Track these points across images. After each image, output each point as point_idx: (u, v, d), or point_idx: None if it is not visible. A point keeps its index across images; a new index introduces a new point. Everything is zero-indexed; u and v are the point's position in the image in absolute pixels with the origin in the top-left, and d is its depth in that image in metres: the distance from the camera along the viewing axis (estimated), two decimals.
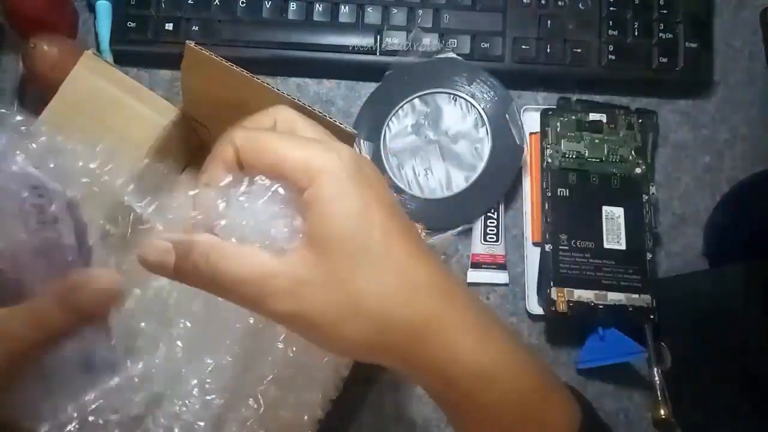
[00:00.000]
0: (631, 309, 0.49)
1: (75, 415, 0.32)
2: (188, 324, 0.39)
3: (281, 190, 0.30)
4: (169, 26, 0.56)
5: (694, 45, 0.55)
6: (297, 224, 0.29)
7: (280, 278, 0.28)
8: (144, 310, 0.39)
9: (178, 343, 0.38)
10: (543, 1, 0.56)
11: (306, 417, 0.40)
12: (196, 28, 0.56)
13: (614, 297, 0.50)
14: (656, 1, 0.56)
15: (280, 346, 0.39)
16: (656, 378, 0.49)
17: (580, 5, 0.56)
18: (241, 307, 0.30)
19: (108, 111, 0.46)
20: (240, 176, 0.30)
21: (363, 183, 0.29)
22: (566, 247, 0.51)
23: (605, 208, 0.52)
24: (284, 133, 0.31)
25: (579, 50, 0.55)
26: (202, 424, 0.38)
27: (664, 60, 0.55)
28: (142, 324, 0.39)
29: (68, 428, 0.32)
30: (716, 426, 0.47)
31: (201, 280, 0.29)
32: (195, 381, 0.38)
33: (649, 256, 0.51)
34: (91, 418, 0.33)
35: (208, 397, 0.38)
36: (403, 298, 0.29)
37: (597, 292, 0.50)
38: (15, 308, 0.28)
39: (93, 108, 0.46)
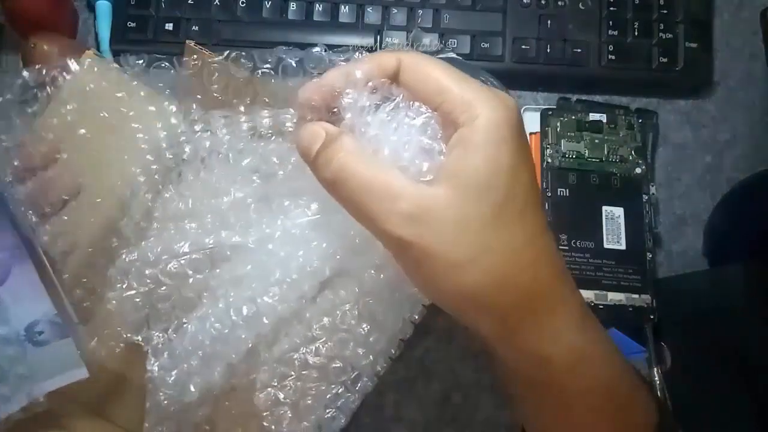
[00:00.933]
0: (631, 309, 0.49)
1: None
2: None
3: (434, 122, 0.29)
4: (169, 26, 0.56)
5: (694, 45, 0.55)
6: (438, 161, 0.29)
7: (409, 201, 0.27)
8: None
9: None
10: (543, 1, 0.56)
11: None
12: (196, 28, 0.56)
13: (614, 297, 0.50)
14: (656, 1, 0.56)
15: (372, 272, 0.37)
16: (656, 378, 0.49)
17: (580, 5, 0.56)
18: (356, 219, 0.29)
19: (108, 112, 0.46)
20: (392, 91, 0.30)
21: (520, 139, 0.28)
22: (566, 247, 0.51)
23: (605, 208, 0.52)
24: (450, 66, 0.30)
25: (579, 50, 0.55)
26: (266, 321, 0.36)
27: (664, 60, 0.55)
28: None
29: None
30: (716, 426, 0.47)
31: (332, 174, 0.28)
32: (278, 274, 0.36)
33: (649, 256, 0.51)
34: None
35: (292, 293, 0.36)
36: (528, 262, 0.28)
37: (597, 292, 0.50)
38: None
39: (92, 109, 0.46)
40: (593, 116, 0.55)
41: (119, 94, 0.47)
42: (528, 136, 0.54)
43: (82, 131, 0.44)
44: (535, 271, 0.28)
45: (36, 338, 0.32)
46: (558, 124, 0.54)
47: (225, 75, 0.45)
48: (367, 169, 0.28)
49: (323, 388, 0.36)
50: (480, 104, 0.27)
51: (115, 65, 0.49)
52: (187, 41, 0.46)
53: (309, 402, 0.36)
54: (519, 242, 0.28)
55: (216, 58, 0.45)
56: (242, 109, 0.41)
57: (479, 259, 0.27)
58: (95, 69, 0.47)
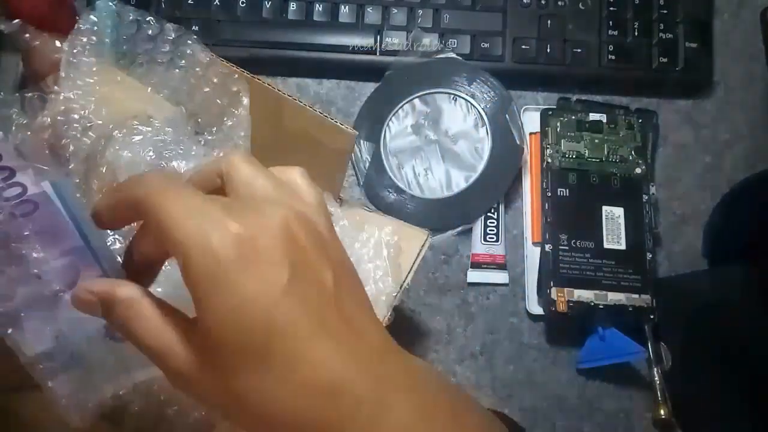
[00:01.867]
0: (631, 309, 0.49)
1: None
2: None
3: None
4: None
5: (694, 45, 0.55)
6: None
7: (174, 360, 0.26)
8: None
9: None
10: (543, 1, 0.56)
11: None
12: (196, 28, 0.56)
13: (614, 297, 0.50)
14: (656, 1, 0.56)
15: None
16: (656, 378, 0.49)
17: (580, 5, 0.56)
18: None
19: (108, 112, 0.46)
20: None
21: (244, 266, 0.24)
22: (566, 247, 0.51)
23: (605, 208, 0.52)
24: (186, 189, 0.26)
25: (579, 50, 0.55)
26: None
27: (664, 60, 0.55)
28: None
29: None
30: (716, 426, 0.47)
31: (122, 333, 0.28)
32: None
33: (649, 256, 0.51)
34: None
35: None
36: (286, 399, 0.25)
37: (597, 292, 0.50)
38: None
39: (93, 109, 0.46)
40: (593, 116, 0.55)
41: (120, 95, 0.47)
42: (528, 137, 0.54)
43: None
44: (303, 401, 0.25)
45: (115, 335, 0.32)
46: (558, 124, 0.54)
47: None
48: (148, 329, 0.27)
49: None
50: (189, 248, 0.24)
51: (114, 66, 0.49)
52: None
53: None
54: (273, 376, 0.25)
55: (217, 59, 0.46)
56: None
57: (243, 407, 0.26)
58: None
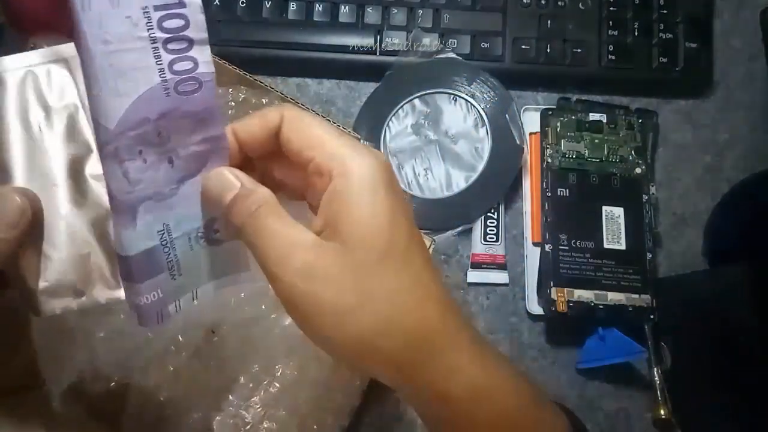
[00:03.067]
0: (631, 309, 0.49)
1: None
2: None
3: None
4: None
5: (694, 45, 0.55)
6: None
7: (302, 254, 0.28)
8: None
9: None
10: (543, 1, 0.56)
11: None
12: None
13: (614, 297, 0.50)
14: (656, 1, 0.56)
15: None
16: (656, 378, 0.49)
17: (580, 5, 0.56)
18: (258, 263, 0.30)
19: None
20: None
21: (394, 189, 0.29)
22: (566, 247, 0.51)
23: (605, 208, 0.52)
24: (329, 123, 0.31)
25: (579, 50, 0.55)
26: None
27: (664, 60, 0.55)
28: None
29: None
30: (716, 426, 0.47)
31: (243, 226, 0.29)
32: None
33: (649, 256, 0.51)
34: None
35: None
36: (414, 305, 0.29)
37: (597, 292, 0.50)
38: None
39: None
40: (593, 116, 0.55)
41: None
42: (528, 137, 0.54)
43: None
44: (422, 313, 0.29)
45: (212, 236, 0.32)
46: (558, 124, 0.54)
47: (226, 76, 0.45)
48: (275, 224, 0.29)
49: None
50: (353, 159, 0.29)
51: None
52: None
53: None
54: (403, 286, 0.29)
55: (218, 61, 0.46)
56: None
57: (363, 306, 0.28)
58: None
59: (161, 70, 0.28)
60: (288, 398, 0.38)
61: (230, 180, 0.30)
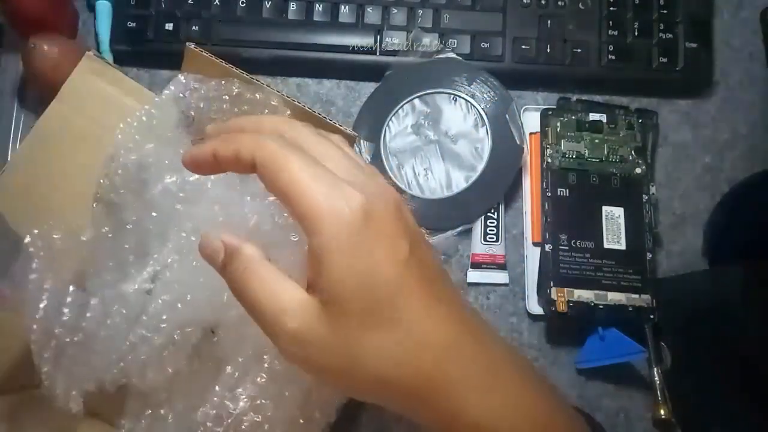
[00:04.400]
0: (631, 309, 0.49)
1: None
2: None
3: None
4: (169, 26, 0.56)
5: (694, 45, 0.55)
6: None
7: (291, 320, 0.28)
8: None
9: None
10: (543, 1, 0.56)
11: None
12: (196, 28, 0.56)
13: (614, 297, 0.50)
14: (656, 1, 0.56)
15: None
16: (656, 378, 0.49)
17: (580, 5, 0.56)
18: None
19: (108, 112, 0.46)
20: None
21: (373, 235, 0.27)
22: (566, 247, 0.51)
23: (605, 208, 0.52)
24: (304, 158, 0.28)
25: (579, 50, 0.55)
26: None
27: (664, 60, 0.55)
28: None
29: None
30: (716, 426, 0.47)
31: (235, 289, 0.30)
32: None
33: (649, 256, 0.51)
34: None
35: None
36: (404, 357, 0.28)
37: (597, 292, 0.50)
38: None
39: (93, 109, 0.46)
40: (593, 116, 0.55)
41: (119, 95, 0.47)
42: (528, 137, 0.54)
43: (81, 132, 0.44)
44: (415, 364, 0.28)
45: None
46: (558, 124, 0.54)
47: (225, 76, 0.45)
48: (262, 288, 0.29)
49: None
50: (322, 217, 0.27)
51: (115, 66, 0.49)
52: (187, 43, 0.46)
53: None
54: (390, 341, 0.28)
55: (216, 60, 0.45)
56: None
57: (353, 368, 0.28)
58: (95, 70, 0.47)
59: None
60: (275, 390, 0.38)
61: (215, 245, 0.31)
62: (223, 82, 0.45)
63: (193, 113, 0.45)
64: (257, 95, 0.44)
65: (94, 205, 0.44)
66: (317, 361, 0.28)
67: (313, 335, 0.28)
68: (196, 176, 0.40)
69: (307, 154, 0.29)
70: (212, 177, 0.40)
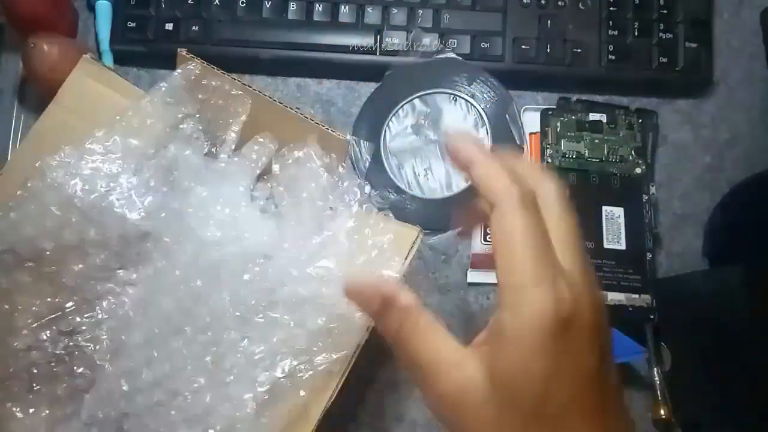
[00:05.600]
0: (631, 309, 0.49)
1: None
2: None
3: None
4: (169, 26, 0.56)
5: (694, 45, 0.55)
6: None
7: (451, 382, 0.27)
8: None
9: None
10: (543, 1, 0.56)
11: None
12: (196, 28, 0.56)
13: (614, 297, 0.50)
14: (656, 1, 0.56)
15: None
16: (656, 378, 0.49)
17: (580, 5, 0.56)
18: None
19: (104, 114, 0.46)
20: None
21: (563, 339, 0.26)
22: None
23: (605, 208, 0.52)
24: (537, 232, 0.27)
25: (579, 50, 0.55)
26: None
27: (664, 60, 0.55)
28: None
29: None
30: (716, 426, 0.47)
31: (389, 337, 0.29)
32: None
33: (649, 256, 0.51)
34: None
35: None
36: None
37: None
38: None
39: (90, 111, 0.46)
40: (593, 116, 0.55)
41: (117, 99, 0.47)
42: (528, 137, 0.54)
43: (79, 135, 0.44)
44: None
45: None
46: (558, 124, 0.54)
47: (216, 84, 0.46)
48: (422, 343, 0.28)
49: None
50: (525, 300, 0.26)
51: (113, 69, 0.49)
52: (179, 50, 0.47)
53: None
54: None
55: (208, 66, 0.46)
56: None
57: None
58: (92, 73, 0.47)
59: None
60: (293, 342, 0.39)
61: (368, 292, 0.30)
62: (213, 83, 0.45)
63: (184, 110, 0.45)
64: (233, 92, 0.45)
65: None
66: (465, 426, 0.27)
67: (473, 406, 0.27)
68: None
69: (542, 225, 0.28)
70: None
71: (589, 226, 0.51)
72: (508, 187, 0.28)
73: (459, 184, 0.53)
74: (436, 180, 0.54)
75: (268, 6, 0.56)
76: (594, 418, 0.26)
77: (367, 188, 0.47)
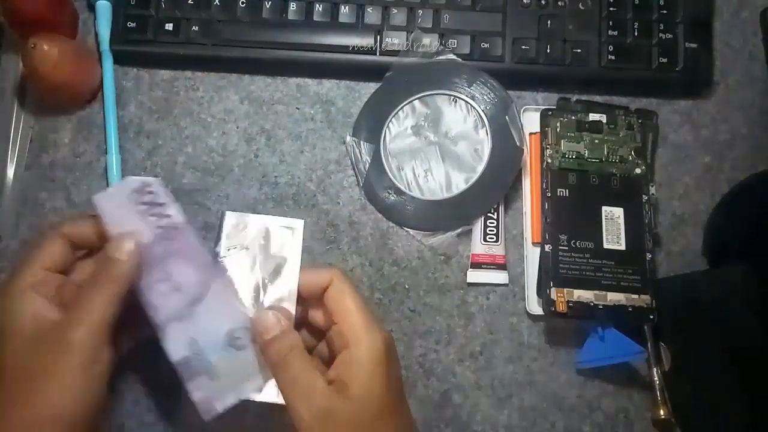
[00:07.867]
0: (631, 309, 0.49)
1: None
2: None
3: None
4: (169, 26, 0.56)
5: (694, 45, 0.55)
6: None
7: (319, 401, 0.38)
8: None
9: None
10: (543, 1, 0.56)
11: None
12: (196, 28, 0.56)
13: (614, 297, 0.50)
14: (656, 1, 0.56)
15: None
16: (656, 378, 0.49)
17: (580, 5, 0.56)
18: (283, 396, 0.39)
19: None
20: None
21: (393, 360, 0.40)
22: (566, 248, 0.51)
23: (605, 209, 0.52)
24: (356, 294, 0.41)
25: (579, 50, 0.55)
26: None
27: (664, 60, 0.55)
28: None
29: None
30: (716, 426, 0.47)
31: (274, 365, 0.39)
32: None
33: (648, 256, 0.51)
34: None
35: None
36: None
37: (597, 292, 0.50)
38: None
39: None
40: (593, 116, 0.55)
41: None
42: (528, 137, 0.54)
43: None
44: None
45: (236, 343, 0.41)
46: (558, 124, 0.54)
47: None
48: (301, 367, 0.39)
49: None
50: (366, 335, 0.39)
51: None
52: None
53: None
54: (401, 424, 0.41)
55: None
56: None
57: None
58: None
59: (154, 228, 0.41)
60: None
61: (273, 322, 0.40)
62: None
63: None
64: None
65: None
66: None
67: (336, 418, 0.37)
68: None
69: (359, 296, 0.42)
70: None
71: (589, 227, 0.51)
72: (328, 270, 0.43)
73: (459, 185, 0.53)
74: (435, 181, 0.54)
75: (268, 6, 0.56)
76: (405, 404, 0.42)
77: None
